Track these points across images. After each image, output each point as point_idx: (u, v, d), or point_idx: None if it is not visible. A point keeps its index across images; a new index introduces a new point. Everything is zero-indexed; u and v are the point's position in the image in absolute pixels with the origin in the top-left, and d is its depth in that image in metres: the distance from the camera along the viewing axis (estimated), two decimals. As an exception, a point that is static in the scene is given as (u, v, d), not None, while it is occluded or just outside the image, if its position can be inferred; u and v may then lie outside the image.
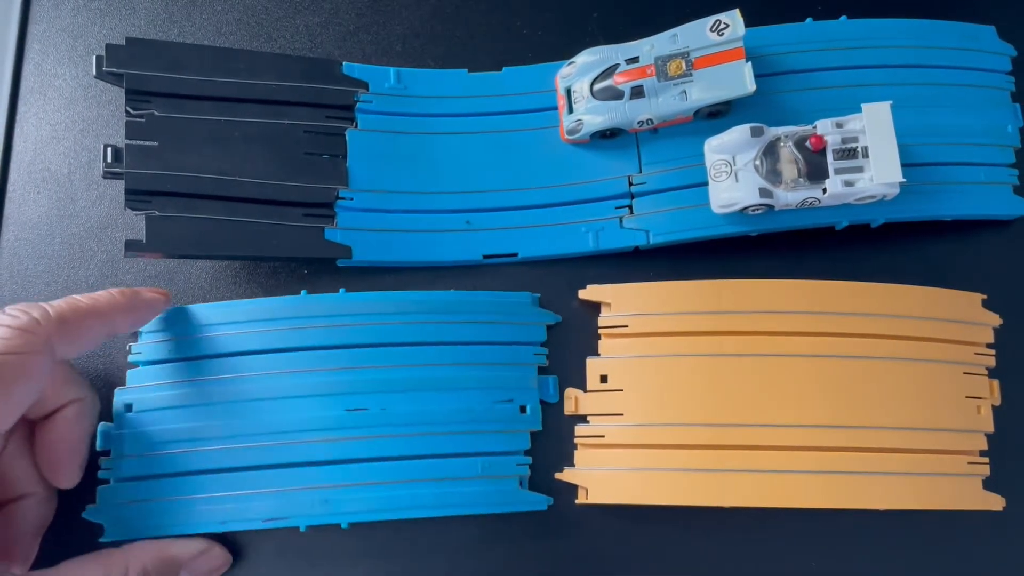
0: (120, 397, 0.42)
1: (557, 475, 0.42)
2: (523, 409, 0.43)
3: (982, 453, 0.42)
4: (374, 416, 0.41)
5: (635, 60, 0.44)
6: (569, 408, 0.43)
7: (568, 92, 0.46)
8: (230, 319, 0.43)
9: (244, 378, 0.42)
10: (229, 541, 0.42)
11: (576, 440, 0.43)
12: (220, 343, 0.42)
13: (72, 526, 0.41)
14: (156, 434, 0.41)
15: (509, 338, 0.44)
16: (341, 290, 0.43)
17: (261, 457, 0.41)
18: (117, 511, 0.41)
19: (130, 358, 0.43)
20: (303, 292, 0.43)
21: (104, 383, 0.44)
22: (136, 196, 0.42)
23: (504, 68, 0.48)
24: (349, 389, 0.42)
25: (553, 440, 0.43)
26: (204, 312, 0.43)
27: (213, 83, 0.44)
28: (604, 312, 0.44)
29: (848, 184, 0.41)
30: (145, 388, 0.42)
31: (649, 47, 0.44)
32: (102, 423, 0.42)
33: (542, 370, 0.44)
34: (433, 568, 0.42)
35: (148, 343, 0.43)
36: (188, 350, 0.42)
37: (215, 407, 0.41)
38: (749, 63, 0.43)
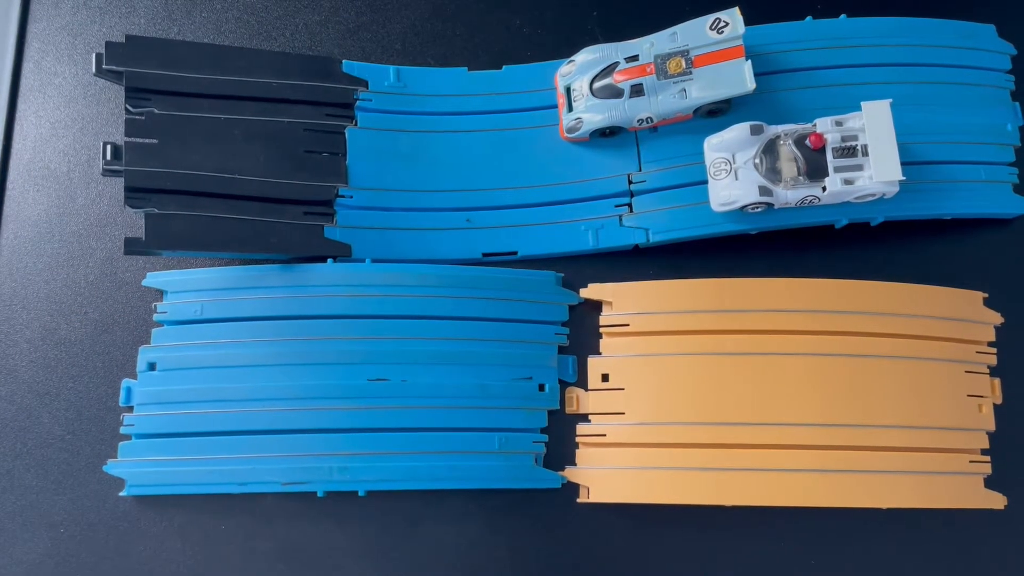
0: (144, 355, 0.42)
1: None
2: (541, 387, 0.43)
3: (983, 451, 0.42)
4: (395, 387, 0.42)
5: (635, 58, 0.44)
6: (570, 407, 0.43)
7: (568, 90, 0.46)
8: (257, 283, 0.43)
9: (267, 342, 0.42)
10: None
11: (578, 439, 0.43)
12: (246, 307, 0.43)
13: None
14: (178, 393, 0.42)
15: (531, 316, 0.44)
16: (367, 259, 0.43)
17: (282, 421, 0.41)
18: (138, 466, 0.41)
19: (155, 317, 0.43)
20: (329, 260, 0.43)
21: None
22: (136, 193, 0.42)
23: (504, 66, 0.48)
24: (371, 359, 0.42)
25: (555, 439, 0.43)
26: (231, 275, 0.43)
27: (213, 81, 0.44)
28: (605, 311, 0.44)
29: (848, 182, 0.41)
30: (169, 347, 0.42)
31: (649, 45, 0.44)
32: (125, 379, 0.42)
33: (562, 349, 0.44)
34: (432, 565, 0.42)
35: (174, 303, 0.43)
36: (214, 312, 0.43)
37: (238, 370, 0.42)
38: (749, 61, 0.43)
